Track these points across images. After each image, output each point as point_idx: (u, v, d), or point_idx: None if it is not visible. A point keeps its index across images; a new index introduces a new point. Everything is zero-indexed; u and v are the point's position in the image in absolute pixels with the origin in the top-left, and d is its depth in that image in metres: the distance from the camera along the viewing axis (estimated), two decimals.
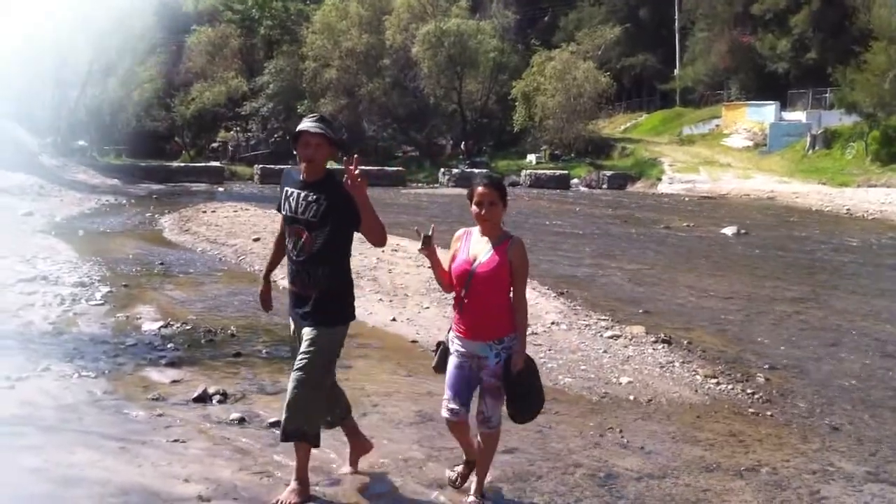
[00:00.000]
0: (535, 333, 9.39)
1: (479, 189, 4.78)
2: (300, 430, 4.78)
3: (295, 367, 4.76)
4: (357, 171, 4.48)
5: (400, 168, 46.81)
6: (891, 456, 6.24)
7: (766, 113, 48.66)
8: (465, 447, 5.09)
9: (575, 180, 44.28)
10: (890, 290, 14.07)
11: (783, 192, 36.10)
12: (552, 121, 48.66)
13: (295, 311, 4.93)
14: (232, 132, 57.00)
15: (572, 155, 49.64)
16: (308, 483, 4.89)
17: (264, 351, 8.44)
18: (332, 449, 5.47)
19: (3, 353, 7.59)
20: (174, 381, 7.18)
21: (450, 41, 49.23)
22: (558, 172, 44.55)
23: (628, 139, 53.70)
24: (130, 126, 50.59)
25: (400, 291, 11.74)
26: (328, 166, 4.92)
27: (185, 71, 55.06)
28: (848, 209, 30.25)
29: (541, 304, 10.99)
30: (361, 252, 13.70)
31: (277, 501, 4.75)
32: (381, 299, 11.25)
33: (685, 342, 9.53)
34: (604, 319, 10.41)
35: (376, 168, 45.07)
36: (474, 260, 4.79)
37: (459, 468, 5.13)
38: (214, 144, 56.37)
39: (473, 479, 5.01)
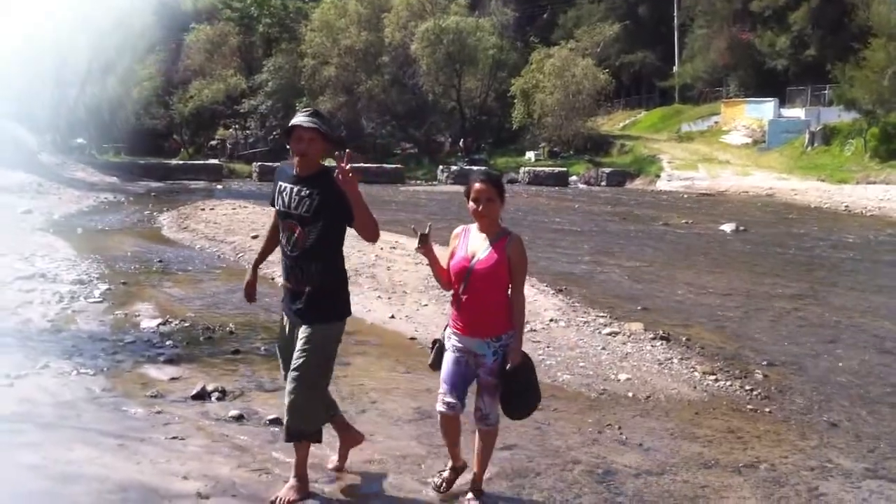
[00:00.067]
0: (534, 330, 9.39)
1: (476, 185, 4.76)
2: (302, 431, 4.79)
3: (292, 368, 4.73)
4: (348, 167, 4.43)
5: (399, 165, 46.83)
6: (889, 452, 6.24)
7: (764, 110, 48.66)
8: (452, 451, 5.03)
9: (574, 177, 44.28)
10: (888, 286, 14.08)
11: (782, 188, 36.10)
12: (551, 118, 48.67)
13: (289, 308, 4.89)
14: (230, 130, 56.98)
15: (571, 152, 49.65)
16: (307, 480, 4.89)
17: (263, 348, 8.43)
18: (330, 446, 5.46)
19: (1, 351, 7.59)
20: (173, 379, 7.17)
21: (449, 38, 49.20)
22: (557, 170, 44.55)
23: (627, 136, 53.67)
24: (129, 124, 50.48)
25: (398, 288, 11.74)
26: (326, 164, 4.90)
27: (184, 69, 55.01)
28: (846, 206, 30.27)
29: (539, 300, 10.99)
30: (360, 249, 13.71)
31: (276, 498, 4.75)
32: (379, 296, 11.25)
33: (683, 339, 9.54)
34: (602, 316, 10.41)
35: (375, 165, 45.13)
36: (473, 257, 4.76)
37: (445, 474, 5.08)
38: (213, 142, 56.35)
39: (470, 476, 5.01)
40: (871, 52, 38.87)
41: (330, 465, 5.26)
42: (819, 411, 7.22)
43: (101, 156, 45.61)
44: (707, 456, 5.96)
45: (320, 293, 4.78)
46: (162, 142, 55.68)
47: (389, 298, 11.17)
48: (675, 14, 61.74)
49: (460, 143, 53.39)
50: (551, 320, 9.95)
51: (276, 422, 5.88)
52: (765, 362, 8.74)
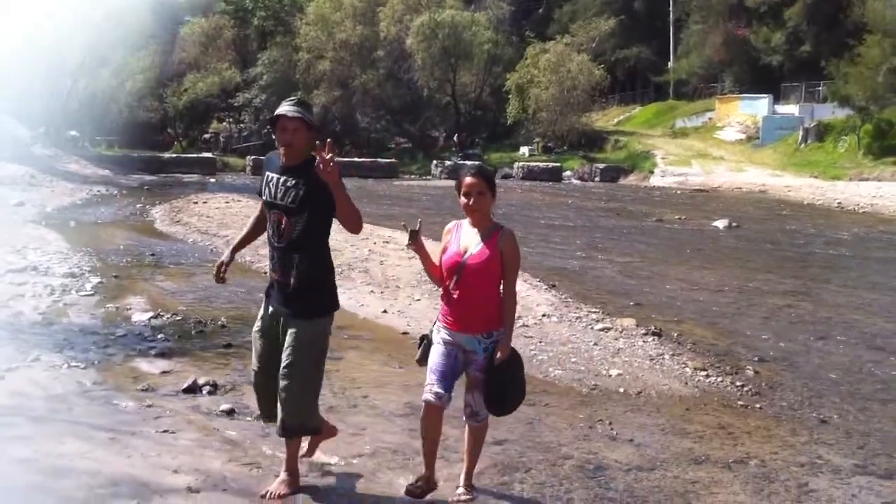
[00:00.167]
0: (526, 325, 9.40)
1: (467, 179, 4.74)
2: (301, 426, 4.79)
3: (284, 365, 4.69)
4: (328, 156, 4.36)
5: (393, 160, 46.86)
6: (879, 449, 6.26)
7: (759, 106, 48.75)
8: (428, 457, 4.91)
9: (567, 173, 44.33)
10: (880, 283, 14.11)
11: (775, 185, 36.17)
12: (546, 113, 48.67)
13: (276, 299, 4.84)
14: (224, 123, 56.89)
15: (565, 147, 49.70)
16: (298, 474, 4.89)
17: None
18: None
19: None
20: (164, 372, 7.16)
21: (444, 33, 49.16)
22: (551, 165, 44.59)
23: (621, 132, 53.71)
24: (123, 116, 50.48)
25: (391, 283, 11.74)
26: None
27: (179, 62, 54.98)
28: (839, 202, 30.32)
29: (532, 296, 11.00)
30: (353, 244, 13.72)
31: (267, 492, 4.74)
32: (372, 291, 11.25)
33: (675, 335, 9.55)
34: (594, 312, 10.42)
35: (369, 160, 45.15)
36: (465, 251, 4.74)
37: (420, 483, 4.91)
38: (207, 135, 56.28)
39: (463, 470, 5.02)
40: (866, 49, 38.93)
41: (303, 453, 5.19)
42: (809, 408, 7.23)
43: (95, 148, 45.53)
44: (698, 451, 5.98)
45: (307, 284, 4.73)
46: (155, 135, 55.67)
47: (382, 293, 11.17)
48: (670, 9, 61.71)
49: (455, 138, 53.35)
50: (544, 315, 9.96)
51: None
52: (756, 358, 8.76)
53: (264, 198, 4.85)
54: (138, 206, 23.44)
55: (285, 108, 4.71)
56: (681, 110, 56.79)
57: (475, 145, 52.96)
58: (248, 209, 19.97)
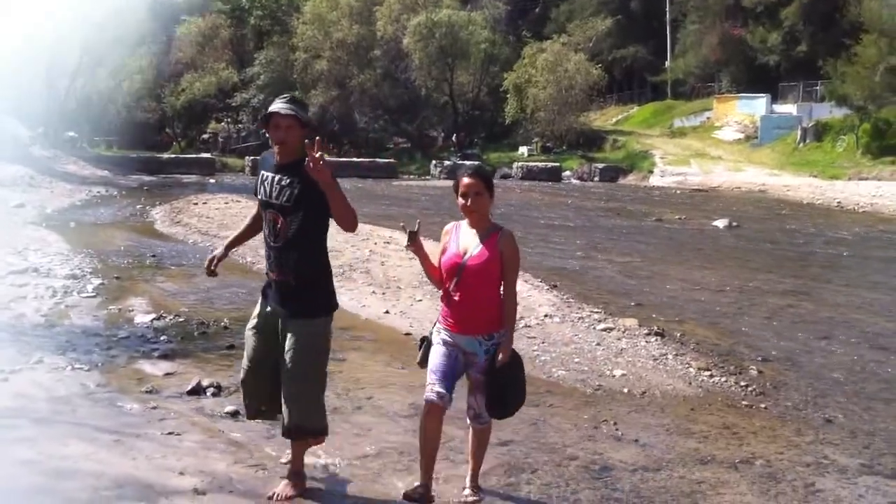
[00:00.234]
0: (528, 326, 9.40)
1: (465, 180, 4.70)
2: (308, 427, 4.76)
3: (287, 368, 4.67)
4: (318, 155, 4.30)
5: (391, 160, 46.82)
6: (884, 448, 6.26)
7: (756, 105, 48.75)
8: (427, 462, 4.77)
9: (566, 172, 44.33)
10: (881, 282, 14.12)
11: (774, 184, 36.18)
12: (544, 113, 48.66)
13: (274, 299, 4.79)
14: (222, 123, 56.88)
15: (564, 147, 49.69)
16: (304, 476, 4.88)
17: None
18: (326, 442, 5.44)
19: None
20: (167, 374, 7.15)
21: (441, 32, 49.12)
22: (550, 165, 44.57)
23: (620, 131, 53.70)
24: (121, 117, 50.41)
25: (393, 284, 11.73)
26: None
27: (176, 62, 54.92)
28: (839, 202, 30.34)
29: (534, 296, 10.99)
30: (354, 245, 13.70)
31: (273, 494, 4.73)
32: (374, 292, 11.24)
33: (678, 335, 9.54)
34: (597, 312, 10.41)
35: (368, 160, 45.13)
36: (465, 253, 4.71)
37: (420, 489, 4.75)
38: (205, 136, 56.23)
39: (468, 471, 5.01)
40: (863, 48, 38.95)
41: (283, 460, 5.16)
42: (814, 407, 7.23)
43: (93, 149, 45.48)
44: (703, 452, 5.97)
45: (304, 284, 4.70)
46: (154, 135, 55.58)
47: (384, 294, 11.16)
48: (667, 9, 61.75)
49: (453, 138, 53.35)
50: (546, 316, 9.95)
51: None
52: (759, 358, 8.76)
53: (260, 197, 4.81)
54: (138, 206, 23.42)
55: (278, 106, 4.67)
56: (678, 110, 56.80)
57: (474, 145, 52.96)
58: (247, 210, 19.90)
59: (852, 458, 6.02)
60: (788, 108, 47.76)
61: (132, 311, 9.65)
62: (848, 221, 24.71)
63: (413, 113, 55.05)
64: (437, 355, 4.78)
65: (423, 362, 4.88)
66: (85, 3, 34.06)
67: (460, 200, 4.72)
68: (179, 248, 15.49)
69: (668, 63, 61.54)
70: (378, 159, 46.21)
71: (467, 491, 4.93)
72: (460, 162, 41.27)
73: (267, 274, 4.86)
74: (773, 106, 48.83)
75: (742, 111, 49.69)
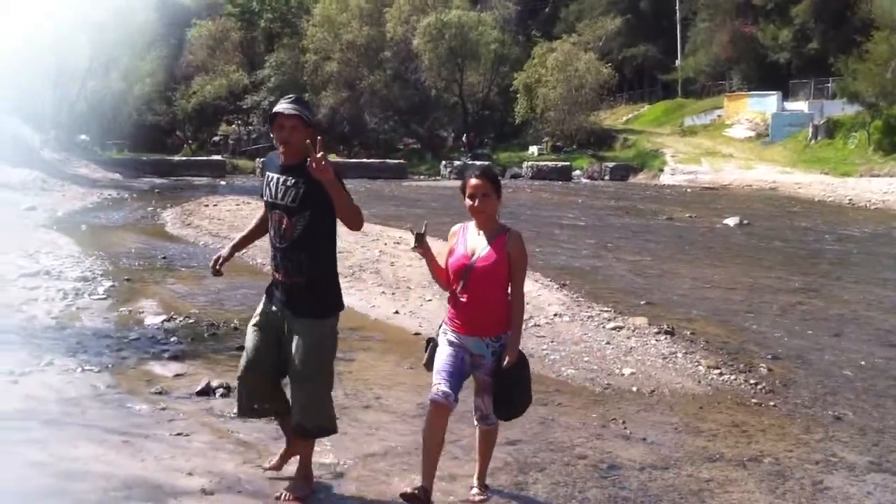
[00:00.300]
0: (538, 325, 9.40)
1: (472, 181, 4.68)
2: (319, 427, 4.76)
3: (295, 369, 4.66)
4: (320, 155, 4.29)
5: (402, 161, 46.93)
6: (894, 446, 6.23)
7: (768, 103, 48.61)
8: (428, 465, 4.68)
9: (577, 172, 44.33)
10: (893, 279, 14.06)
11: (785, 182, 36.07)
12: (554, 112, 48.66)
13: (280, 300, 4.77)
14: (233, 126, 57.08)
15: (574, 146, 49.66)
16: (312, 476, 4.88)
17: None
18: (332, 442, 5.46)
19: (6, 348, 7.58)
20: (177, 375, 7.17)
21: (451, 33, 49.17)
22: (560, 164, 44.59)
23: (630, 130, 53.66)
24: (132, 120, 50.62)
25: (402, 284, 11.75)
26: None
27: (186, 64, 55.16)
28: (850, 199, 30.23)
29: (543, 295, 10.99)
30: (364, 245, 13.75)
31: (281, 494, 4.74)
32: (383, 292, 11.26)
33: (688, 333, 9.52)
34: (606, 311, 10.39)
35: (378, 161, 45.25)
36: (472, 254, 4.68)
37: (418, 492, 4.60)
38: (216, 138, 56.49)
39: (476, 470, 5.01)
40: (874, 45, 38.79)
41: (267, 465, 5.12)
42: (823, 405, 7.20)
43: (104, 152, 45.66)
44: (712, 450, 5.96)
45: (311, 284, 4.68)
46: (165, 138, 55.90)
47: (393, 294, 11.18)
48: (677, 7, 61.64)
49: (463, 139, 53.40)
50: (555, 315, 9.94)
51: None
52: (769, 356, 8.73)
53: (265, 198, 4.79)
54: (149, 209, 23.52)
55: (282, 106, 4.66)
56: (689, 108, 56.70)
57: (484, 145, 52.98)
58: (258, 212, 19.89)
59: (861, 455, 6.00)
60: (800, 106, 47.59)
61: (142, 312, 9.69)
62: (859, 219, 24.62)
63: (423, 114, 55.10)
64: (443, 356, 4.75)
65: (430, 364, 4.85)
66: (95, 7, 34.23)
67: (468, 201, 4.70)
68: (190, 249, 15.55)
69: (678, 61, 61.44)
70: (388, 160, 46.32)
71: (475, 490, 4.93)
72: (470, 162, 41.33)
73: (272, 275, 4.85)
74: (785, 103, 48.68)
75: (753, 109, 49.57)
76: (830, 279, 14.06)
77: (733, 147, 45.95)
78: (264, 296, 4.92)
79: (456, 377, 4.69)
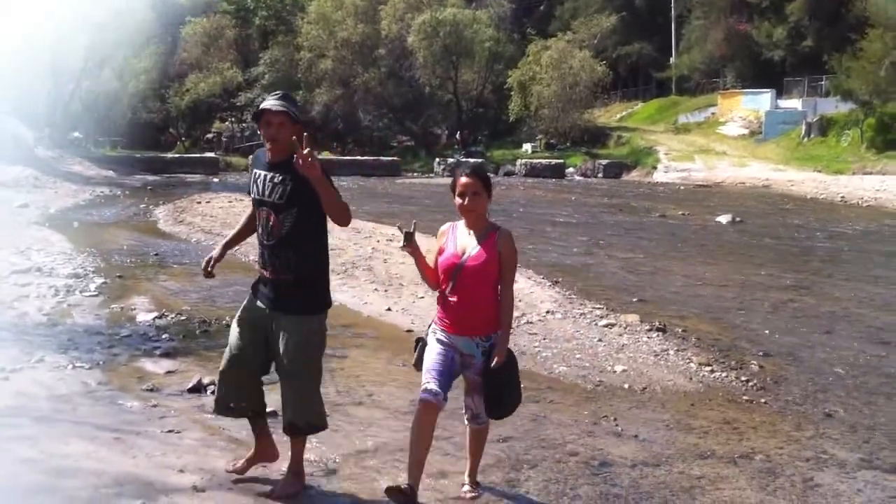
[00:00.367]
0: (530, 322, 9.40)
1: (462, 179, 4.65)
2: (310, 424, 4.76)
3: (284, 367, 4.66)
4: (307, 152, 4.25)
5: (395, 158, 46.87)
6: (884, 443, 6.25)
7: (761, 101, 48.70)
8: (415, 464, 4.62)
9: (570, 169, 44.34)
10: (884, 277, 14.09)
11: (778, 179, 36.14)
12: (548, 110, 48.68)
13: (267, 297, 4.73)
14: (227, 123, 56.92)
15: (568, 144, 49.65)
16: (303, 473, 4.88)
17: None
18: (324, 439, 5.46)
19: None
20: (169, 372, 7.17)
21: (445, 31, 49.12)
22: (554, 161, 44.59)
23: (624, 128, 53.75)
24: (125, 117, 50.51)
25: (395, 281, 11.74)
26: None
27: (180, 62, 55.01)
28: (843, 197, 30.30)
29: (535, 293, 11.00)
30: (356, 242, 13.73)
31: (272, 492, 4.74)
32: (376, 289, 11.26)
33: (679, 330, 9.53)
34: (598, 308, 10.41)
35: (372, 158, 45.23)
36: (463, 253, 4.65)
37: (406, 489, 4.56)
38: (209, 135, 56.30)
39: (467, 467, 5.01)
40: (868, 43, 38.87)
41: (229, 467, 5.02)
42: (814, 402, 7.22)
43: (98, 149, 45.56)
44: (703, 447, 5.97)
45: (299, 282, 4.65)
46: (158, 135, 55.74)
47: (386, 291, 11.17)
48: (671, 5, 61.70)
49: (457, 136, 53.39)
50: (548, 312, 9.95)
51: (272, 414, 5.86)
52: (761, 353, 8.75)
53: (253, 195, 4.77)
54: (142, 206, 23.47)
55: (269, 103, 4.63)
56: (683, 106, 56.76)
57: (478, 142, 52.93)
58: (251, 209, 19.99)
59: (852, 452, 6.02)
60: (793, 104, 47.69)
61: (134, 309, 9.67)
62: (852, 216, 24.68)
63: (417, 111, 55.05)
64: (432, 354, 4.71)
65: (419, 364, 4.82)
66: (92, 6, 34.17)
67: (457, 200, 4.67)
68: (182, 246, 15.53)
69: (672, 59, 61.54)
70: (382, 157, 46.28)
71: (466, 487, 4.93)
72: (464, 159, 41.32)
73: (260, 271, 4.83)
74: (778, 101, 48.80)
75: (747, 106, 49.66)
76: (822, 276, 14.09)
77: (727, 145, 46.02)
78: (250, 292, 4.89)
79: (445, 376, 4.66)
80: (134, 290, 11.04)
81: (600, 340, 8.84)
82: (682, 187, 35.71)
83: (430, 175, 43.27)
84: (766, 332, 9.78)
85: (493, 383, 4.65)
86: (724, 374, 7.85)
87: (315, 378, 4.77)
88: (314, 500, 4.79)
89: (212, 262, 5.03)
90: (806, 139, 42.91)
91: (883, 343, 9.42)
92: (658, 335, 9.13)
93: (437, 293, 4.84)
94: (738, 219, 22.27)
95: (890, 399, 7.38)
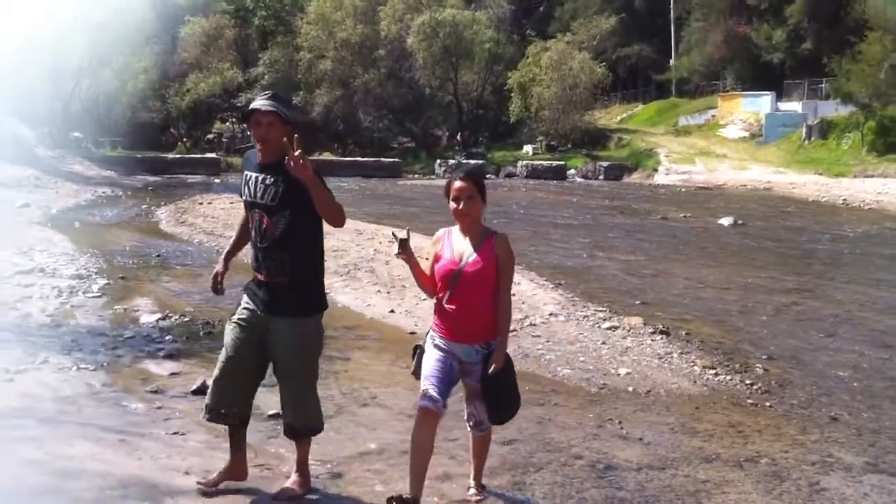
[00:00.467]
0: (533, 325, 9.40)
1: (456, 183, 4.57)
2: (308, 427, 4.76)
3: (281, 369, 4.65)
4: (298, 153, 4.21)
5: (396, 159, 46.89)
6: (890, 446, 6.24)
7: (761, 103, 48.69)
8: (416, 475, 4.57)
9: (571, 171, 44.37)
10: (887, 280, 14.08)
11: (779, 182, 36.14)
12: (548, 111, 48.67)
13: (262, 300, 4.69)
14: (227, 123, 56.95)
15: (568, 146, 49.67)
16: (309, 475, 4.87)
17: None
18: (331, 441, 5.45)
19: (1, 346, 7.57)
20: (173, 374, 7.16)
21: (445, 32, 49.14)
22: (555, 163, 44.63)
23: (624, 130, 53.72)
24: (126, 117, 50.51)
25: (398, 283, 11.73)
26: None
27: (180, 62, 54.99)
28: (844, 199, 30.30)
29: (539, 295, 10.99)
30: (359, 244, 13.73)
31: (279, 493, 4.73)
32: (378, 291, 11.24)
33: (683, 333, 9.53)
34: (602, 311, 10.39)
35: (373, 159, 45.25)
36: (460, 259, 4.57)
37: (407, 496, 4.54)
38: (210, 136, 56.38)
39: (472, 471, 4.99)
40: (868, 46, 38.87)
41: (199, 480, 4.81)
42: (819, 405, 7.21)
43: (98, 149, 45.55)
44: (708, 450, 5.96)
45: (294, 284, 4.61)
46: (159, 135, 55.77)
47: (389, 293, 11.16)
48: (671, 7, 61.70)
49: (457, 137, 53.38)
50: (551, 314, 9.94)
51: (276, 416, 5.85)
52: (765, 356, 8.75)
53: (244, 198, 4.72)
54: (143, 207, 23.49)
55: (259, 103, 4.58)
56: (683, 108, 56.76)
57: (478, 144, 52.94)
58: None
59: (857, 456, 6.01)
60: (793, 106, 47.68)
61: (137, 310, 9.67)
62: (853, 219, 24.67)
63: (417, 112, 55.04)
64: (431, 361, 4.64)
65: (417, 372, 4.74)
66: (92, 6, 34.15)
67: (452, 204, 4.58)
68: (184, 247, 15.52)
69: (672, 61, 61.52)
70: (383, 159, 46.30)
71: (472, 490, 4.92)
72: (465, 161, 41.36)
73: (254, 274, 4.77)
74: (778, 104, 48.79)
75: (747, 109, 49.64)
76: (825, 279, 14.09)
77: (727, 147, 46.02)
78: (244, 295, 4.84)
79: (445, 383, 4.59)
80: (137, 291, 11.04)
81: (604, 343, 8.84)
82: (683, 190, 35.71)
83: (432, 176, 43.28)
84: (770, 335, 9.78)
85: (492, 388, 4.60)
86: (728, 378, 7.84)
87: (309, 381, 4.75)
88: (319, 503, 4.78)
89: (220, 279, 5.01)
90: (806, 142, 42.91)
91: (886, 346, 9.41)
92: (661, 338, 9.12)
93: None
94: (739, 221, 22.27)
95: (895, 402, 7.37)
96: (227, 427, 4.87)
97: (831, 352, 9.11)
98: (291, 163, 4.23)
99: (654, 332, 9.30)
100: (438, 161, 45.67)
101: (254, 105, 4.58)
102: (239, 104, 53.14)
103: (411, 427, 5.81)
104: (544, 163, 44.85)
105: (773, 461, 5.81)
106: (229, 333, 4.81)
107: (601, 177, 43.01)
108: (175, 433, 5.68)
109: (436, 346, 4.67)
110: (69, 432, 5.60)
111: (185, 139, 56.15)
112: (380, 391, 6.96)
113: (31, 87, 36.93)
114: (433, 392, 4.51)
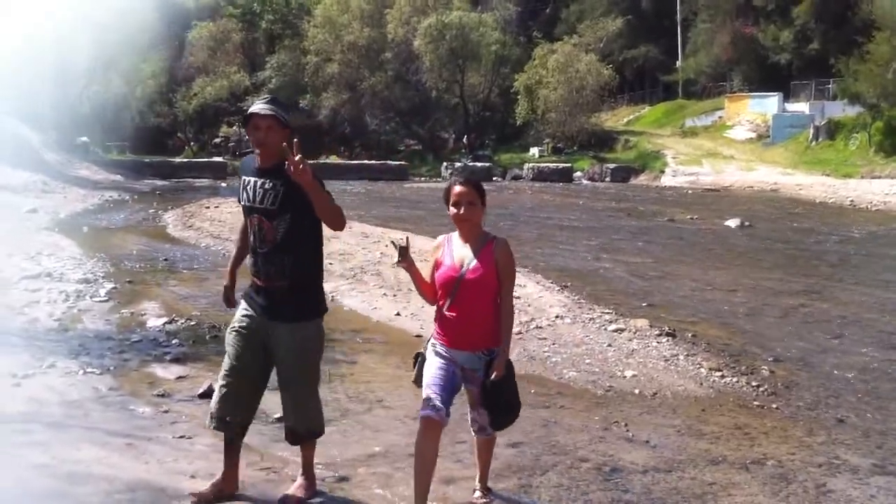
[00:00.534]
0: (539, 327, 9.39)
1: (456, 188, 4.50)
2: (310, 431, 4.76)
3: (283, 374, 4.64)
4: (297, 157, 4.19)
5: (403, 162, 46.98)
6: None
7: (768, 104, 48.62)
8: (421, 481, 4.50)
9: (578, 173, 44.36)
10: (894, 281, 14.04)
11: (787, 183, 36.07)
12: (555, 114, 48.69)
13: (261, 305, 4.66)
14: (234, 127, 57.04)
15: (575, 148, 49.69)
16: (314, 478, 4.88)
17: None
18: (336, 444, 5.46)
19: (8, 351, 7.59)
20: (179, 377, 7.18)
21: (451, 34, 49.20)
22: (561, 166, 44.63)
23: (631, 132, 53.68)
24: (133, 122, 50.62)
25: (404, 286, 11.71)
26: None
27: (187, 66, 55.17)
28: (852, 201, 30.22)
29: (545, 297, 10.98)
30: (365, 247, 13.75)
31: (284, 497, 4.73)
32: (385, 294, 11.25)
33: (689, 335, 9.52)
34: (608, 313, 10.39)
35: (379, 162, 45.30)
36: (461, 265, 4.52)
37: None
38: (217, 140, 56.50)
39: (477, 473, 4.99)
40: (875, 46, 38.80)
41: (192, 492, 4.74)
42: (826, 407, 7.19)
43: (106, 154, 45.68)
44: (714, 453, 5.95)
45: (293, 288, 4.59)
46: (166, 139, 55.93)
47: (395, 296, 11.17)
48: (677, 8, 61.66)
49: (464, 140, 53.42)
50: (557, 317, 9.93)
51: (282, 420, 5.85)
52: (771, 358, 8.72)
53: (242, 202, 4.71)
54: (150, 211, 23.53)
55: (258, 107, 4.59)
56: (690, 109, 56.72)
57: (485, 146, 52.99)
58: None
59: (864, 458, 5.99)
60: (801, 107, 47.62)
61: (144, 314, 9.70)
62: (861, 220, 24.61)
63: (424, 115, 55.12)
64: (432, 369, 4.59)
65: (419, 380, 4.70)
66: (96, 7, 34.20)
67: (452, 210, 4.53)
68: (191, 251, 15.55)
69: (679, 62, 61.47)
70: (389, 161, 46.40)
71: (477, 493, 4.92)
72: (472, 163, 41.38)
73: (252, 280, 4.75)
74: (786, 105, 48.72)
75: (754, 110, 49.58)
76: (832, 281, 14.05)
77: (734, 148, 45.97)
78: (242, 300, 4.82)
79: (447, 391, 4.55)
80: (144, 295, 11.07)
81: (610, 345, 8.83)
82: (690, 191, 35.68)
83: (438, 179, 43.27)
84: (777, 336, 9.75)
85: (492, 395, 4.56)
86: (734, 380, 7.82)
87: (310, 384, 4.74)
88: None
89: (230, 292, 5.03)
90: (814, 143, 42.82)
91: (894, 348, 9.37)
92: (668, 340, 9.11)
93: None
94: (746, 223, 22.23)
95: None
96: (224, 435, 4.85)
97: (838, 354, 9.08)
98: (291, 167, 4.23)
99: (660, 335, 9.29)
100: (445, 164, 45.72)
101: (252, 109, 4.60)
102: (246, 108, 53.30)
103: (416, 430, 5.85)
104: (551, 165, 44.86)
105: (780, 463, 5.80)
106: (230, 341, 4.77)
107: (608, 179, 43.01)
108: (182, 437, 5.69)
109: (437, 353, 4.63)
110: (76, 436, 5.62)
111: (192, 143, 56.30)
112: (386, 394, 6.96)
113: (38, 90, 37.01)
114: (435, 401, 4.46)
